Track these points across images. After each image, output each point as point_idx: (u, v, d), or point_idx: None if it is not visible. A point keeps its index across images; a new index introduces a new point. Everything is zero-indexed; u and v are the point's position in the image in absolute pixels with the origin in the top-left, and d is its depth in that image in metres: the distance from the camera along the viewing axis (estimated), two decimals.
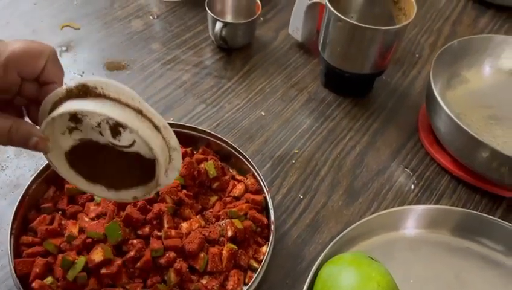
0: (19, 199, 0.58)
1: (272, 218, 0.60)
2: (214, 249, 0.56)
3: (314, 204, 0.68)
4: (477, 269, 0.61)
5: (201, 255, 0.55)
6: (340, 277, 0.51)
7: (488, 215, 0.63)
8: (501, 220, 0.62)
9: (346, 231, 0.59)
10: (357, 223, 0.60)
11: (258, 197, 0.62)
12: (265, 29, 0.93)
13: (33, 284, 0.51)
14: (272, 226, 0.59)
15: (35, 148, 0.44)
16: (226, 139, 0.67)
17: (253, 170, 0.64)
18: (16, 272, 0.52)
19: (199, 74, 0.84)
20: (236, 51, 0.88)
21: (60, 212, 0.59)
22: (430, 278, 0.60)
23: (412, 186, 0.71)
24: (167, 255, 0.54)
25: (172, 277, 0.53)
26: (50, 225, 0.56)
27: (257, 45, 0.90)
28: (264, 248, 0.59)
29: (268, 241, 0.59)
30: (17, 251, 0.55)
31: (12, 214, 0.56)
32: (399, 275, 0.53)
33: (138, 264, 0.53)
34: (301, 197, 0.68)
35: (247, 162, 0.65)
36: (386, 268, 0.53)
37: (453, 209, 0.64)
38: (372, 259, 0.53)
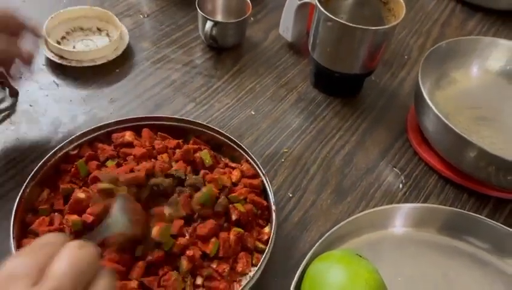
0: (15, 204, 0.56)
1: (272, 199, 0.61)
2: (224, 234, 0.57)
3: (303, 203, 0.68)
4: (464, 267, 0.62)
5: (213, 240, 0.56)
6: (328, 274, 0.52)
7: (474, 214, 0.63)
8: (488, 219, 0.62)
9: (335, 228, 0.59)
10: (345, 221, 0.60)
11: (255, 181, 0.63)
12: (256, 29, 0.94)
13: None
14: (274, 207, 0.60)
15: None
16: (218, 129, 0.67)
17: (247, 156, 0.65)
18: None
19: (189, 73, 0.84)
20: (227, 51, 0.88)
21: (56, 213, 0.58)
22: (418, 276, 0.60)
23: (400, 186, 0.71)
24: (178, 242, 0.54)
25: (184, 265, 0.53)
26: (51, 226, 0.56)
27: (247, 45, 0.90)
28: (267, 229, 0.61)
29: (270, 222, 0.60)
30: None
31: (12, 219, 0.55)
32: (387, 273, 0.53)
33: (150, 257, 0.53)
34: (290, 195, 0.68)
35: (239, 149, 0.66)
36: (375, 266, 0.53)
37: (440, 207, 0.64)
38: (361, 257, 0.54)
